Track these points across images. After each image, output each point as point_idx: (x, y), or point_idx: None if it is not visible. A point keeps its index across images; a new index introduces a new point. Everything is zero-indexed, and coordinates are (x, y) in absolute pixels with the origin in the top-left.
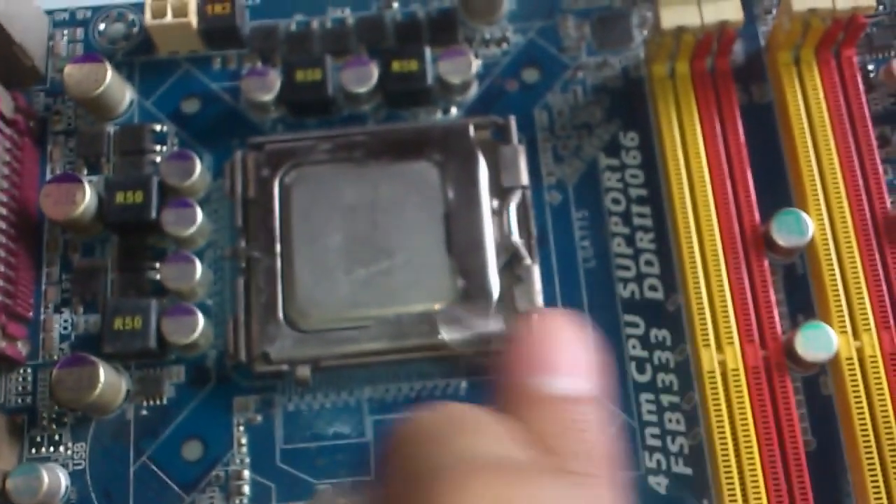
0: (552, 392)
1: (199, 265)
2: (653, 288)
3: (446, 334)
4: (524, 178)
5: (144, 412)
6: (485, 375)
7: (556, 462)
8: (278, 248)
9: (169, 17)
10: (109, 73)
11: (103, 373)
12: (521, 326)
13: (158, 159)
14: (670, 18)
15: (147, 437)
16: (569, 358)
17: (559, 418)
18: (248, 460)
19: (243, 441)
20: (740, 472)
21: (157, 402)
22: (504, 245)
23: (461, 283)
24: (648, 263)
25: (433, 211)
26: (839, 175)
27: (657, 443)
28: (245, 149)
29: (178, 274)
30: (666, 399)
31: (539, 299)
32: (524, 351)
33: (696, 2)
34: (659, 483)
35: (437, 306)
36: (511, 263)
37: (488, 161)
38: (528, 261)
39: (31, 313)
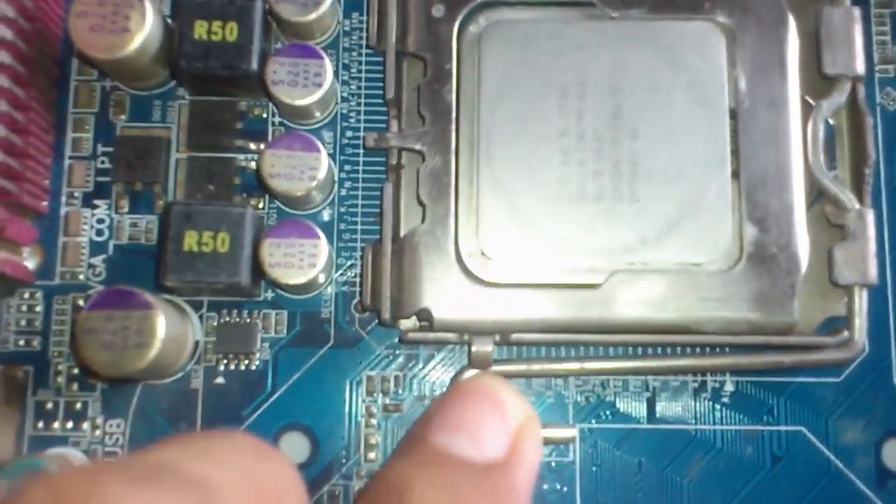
0: (445, 450)
1: (324, 155)
2: None
3: (723, 311)
4: (859, 64)
5: (221, 380)
6: (763, 375)
7: None
8: (454, 139)
9: None
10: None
11: (163, 322)
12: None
13: None
14: None
15: (224, 421)
16: (477, 422)
17: (442, 481)
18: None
19: (374, 441)
20: None
21: (243, 367)
22: (818, 174)
23: (752, 232)
24: None
25: (712, 105)
26: None
27: None
28: None
29: (289, 167)
30: None
31: (873, 269)
32: (435, 409)
33: None
34: None
35: (710, 266)
36: (824, 203)
37: (802, 31)
38: (855, 204)
39: (45, 203)
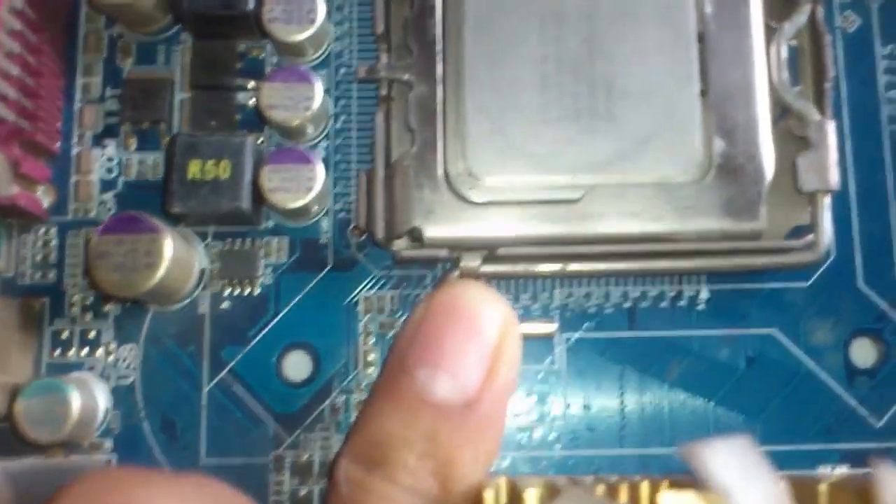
0: (427, 393)
1: (318, 87)
2: None
3: (693, 221)
4: None
5: (226, 304)
6: (736, 282)
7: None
8: (440, 68)
9: None
10: None
11: (170, 243)
12: (432, 298)
13: None
14: None
15: (231, 342)
16: (457, 353)
17: (427, 430)
18: None
19: (372, 357)
20: None
21: (247, 292)
22: (781, 90)
23: (720, 145)
24: None
25: (680, 29)
26: None
27: None
28: None
29: (286, 99)
30: None
31: (835, 175)
32: (416, 332)
33: None
34: None
35: (681, 178)
36: (789, 118)
37: None
38: (816, 116)
39: (57, 144)
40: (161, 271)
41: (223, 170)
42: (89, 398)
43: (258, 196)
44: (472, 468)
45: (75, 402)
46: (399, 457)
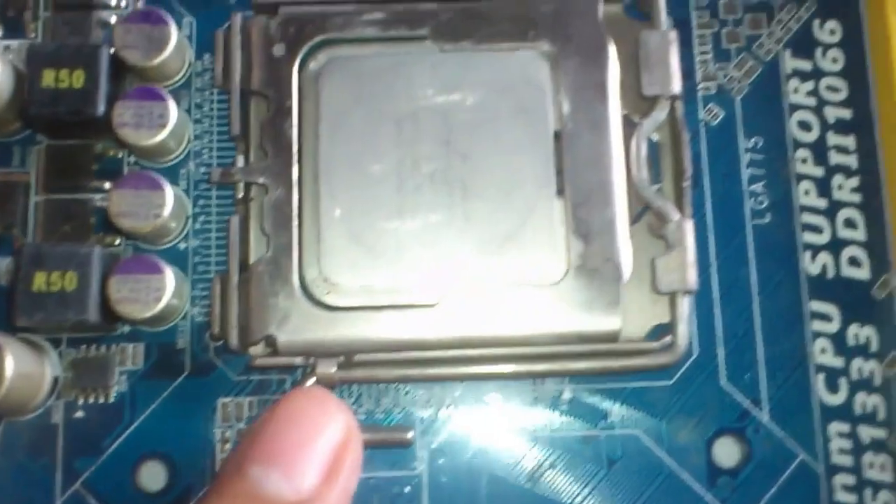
0: (259, 487)
1: (169, 192)
2: (854, 262)
3: (550, 323)
4: (676, 84)
5: (80, 413)
6: (599, 382)
7: None
8: (296, 172)
9: None
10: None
11: (12, 359)
12: (275, 404)
13: (113, 20)
14: None
15: (84, 453)
16: (291, 453)
17: None
18: None
19: None
20: None
21: (101, 400)
22: (641, 189)
23: (577, 246)
24: (850, 224)
25: (538, 128)
26: None
27: (851, 498)
28: (248, 12)
29: (138, 204)
30: (867, 433)
31: (693, 276)
32: (254, 434)
33: None
34: None
35: (539, 280)
36: (648, 217)
37: (622, 54)
38: (676, 215)
39: None
40: (3, 390)
41: (69, 281)
42: None
43: (108, 308)
44: None
45: None
46: None
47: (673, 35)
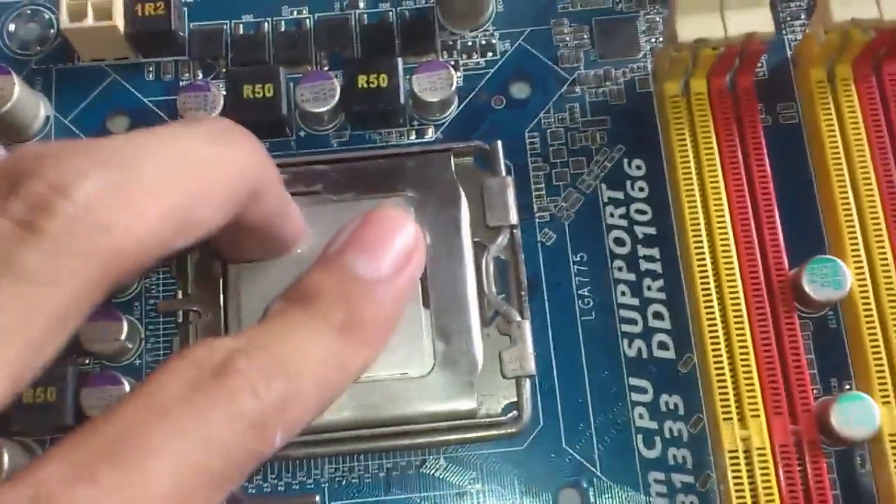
0: (351, 271)
1: (125, 324)
2: (663, 346)
3: (425, 405)
4: (513, 216)
5: None
6: (467, 450)
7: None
8: (222, 300)
9: (90, 20)
10: (18, 86)
11: (7, 458)
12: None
13: None
14: (688, 30)
15: None
16: (379, 242)
17: (345, 288)
18: None
19: None
20: None
21: None
22: (490, 299)
23: (441, 346)
24: (658, 316)
25: None
26: (881, 214)
27: None
28: None
29: (101, 333)
30: (678, 479)
31: (531, 364)
32: (345, 231)
33: (718, 9)
34: None
35: (412, 373)
36: (497, 319)
37: (470, 195)
38: (517, 317)
39: None
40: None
41: (50, 394)
42: None
43: (82, 415)
44: (371, 325)
45: None
46: (319, 300)
47: (509, 180)
